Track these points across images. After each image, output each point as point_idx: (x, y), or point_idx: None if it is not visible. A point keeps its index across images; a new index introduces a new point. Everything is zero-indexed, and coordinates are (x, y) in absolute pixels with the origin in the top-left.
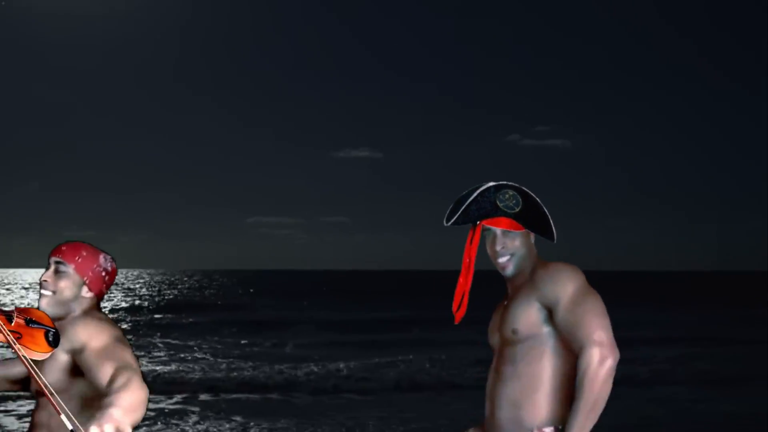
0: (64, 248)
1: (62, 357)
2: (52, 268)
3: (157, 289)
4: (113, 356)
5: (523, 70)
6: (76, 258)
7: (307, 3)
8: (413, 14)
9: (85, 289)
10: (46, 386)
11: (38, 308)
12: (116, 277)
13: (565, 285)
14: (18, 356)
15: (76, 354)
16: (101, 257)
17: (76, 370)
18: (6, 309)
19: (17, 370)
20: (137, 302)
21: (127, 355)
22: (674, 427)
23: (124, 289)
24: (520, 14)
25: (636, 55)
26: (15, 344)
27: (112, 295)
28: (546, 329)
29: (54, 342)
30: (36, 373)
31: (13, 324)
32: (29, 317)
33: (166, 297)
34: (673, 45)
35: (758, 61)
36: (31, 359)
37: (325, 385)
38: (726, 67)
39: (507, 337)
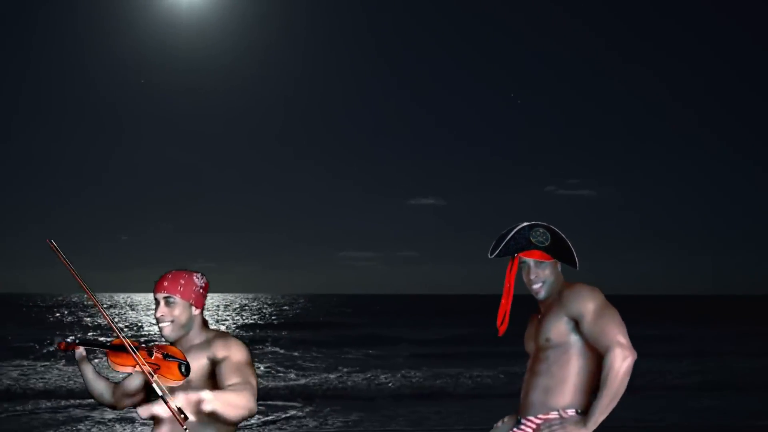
0: (166, 284)
1: (203, 362)
2: (162, 302)
3: (272, 308)
4: (242, 372)
5: (558, 136)
6: (179, 288)
7: (387, 84)
8: (473, 93)
9: (193, 308)
10: (155, 381)
11: (162, 337)
12: (239, 299)
13: (588, 302)
14: (151, 383)
15: (216, 363)
16: (195, 278)
17: (212, 375)
18: (148, 345)
19: (134, 385)
20: (255, 319)
21: (251, 377)
22: (681, 426)
23: (250, 309)
24: (559, 90)
25: (648, 124)
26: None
27: (239, 314)
28: (573, 337)
29: (186, 372)
30: (164, 393)
31: (152, 358)
32: (166, 352)
33: (279, 315)
34: (678, 115)
35: (744, 128)
36: (166, 386)
37: (402, 390)
38: (721, 133)
39: (541, 344)
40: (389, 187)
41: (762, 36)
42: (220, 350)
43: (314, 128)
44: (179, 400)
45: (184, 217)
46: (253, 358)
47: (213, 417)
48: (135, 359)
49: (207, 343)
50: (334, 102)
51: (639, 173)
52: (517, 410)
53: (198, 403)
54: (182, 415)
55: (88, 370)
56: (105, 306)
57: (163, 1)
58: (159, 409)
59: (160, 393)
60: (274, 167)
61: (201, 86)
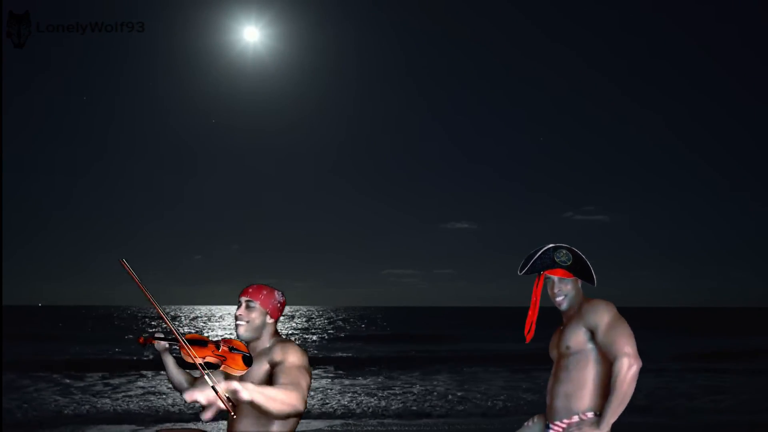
0: (250, 290)
1: (265, 366)
2: (243, 305)
3: (329, 318)
4: (294, 376)
5: (576, 170)
6: (260, 296)
7: (427, 126)
8: (503, 136)
9: (268, 317)
10: (206, 373)
11: (236, 335)
12: (302, 310)
13: (603, 315)
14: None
15: (275, 365)
16: (276, 293)
17: (271, 378)
18: (216, 339)
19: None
20: (319, 329)
21: (303, 380)
22: (686, 428)
23: (321, 319)
24: (577, 131)
25: (654, 160)
26: (197, 358)
27: (303, 323)
28: (590, 345)
29: (248, 363)
30: (206, 371)
31: (220, 350)
32: (231, 345)
33: (333, 325)
34: (680, 153)
35: (741, 166)
36: (232, 375)
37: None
38: (721, 171)
39: (562, 351)
40: (428, 212)
41: (748, 83)
42: (277, 355)
43: (363, 163)
44: (220, 388)
45: (249, 240)
46: (310, 364)
47: (259, 410)
48: (204, 351)
49: (269, 349)
50: (380, 140)
51: (646, 202)
52: (545, 414)
53: (234, 392)
54: (230, 403)
55: (169, 361)
56: (187, 318)
57: (231, 53)
58: (200, 396)
59: (210, 383)
60: (327, 196)
61: (264, 126)
